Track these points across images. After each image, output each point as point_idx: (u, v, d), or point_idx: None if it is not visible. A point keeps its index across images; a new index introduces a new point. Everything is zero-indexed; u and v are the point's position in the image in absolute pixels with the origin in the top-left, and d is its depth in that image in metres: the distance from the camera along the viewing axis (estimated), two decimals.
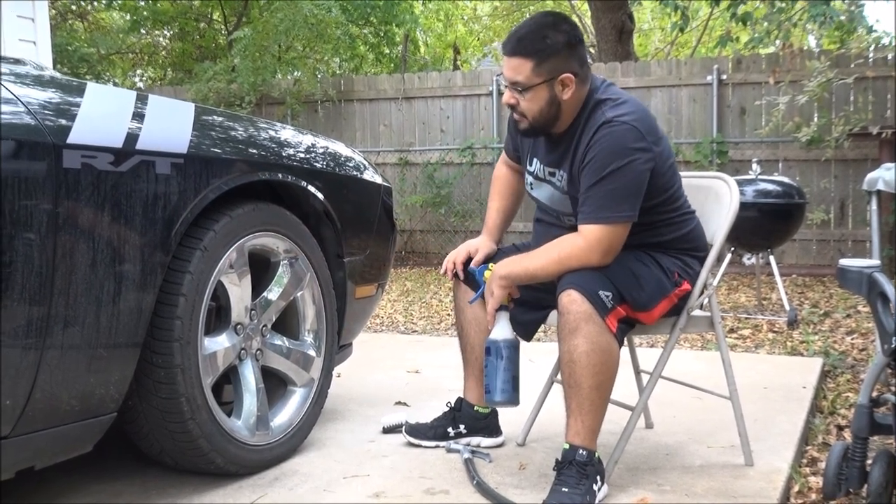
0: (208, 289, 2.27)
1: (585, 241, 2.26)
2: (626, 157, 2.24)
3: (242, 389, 2.45)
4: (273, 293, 2.57)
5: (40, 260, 1.80)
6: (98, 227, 1.92)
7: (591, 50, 15.81)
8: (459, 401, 2.76)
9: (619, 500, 2.27)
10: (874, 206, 2.56)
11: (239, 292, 2.42)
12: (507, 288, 2.39)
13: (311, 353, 2.71)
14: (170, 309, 2.15)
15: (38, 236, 1.79)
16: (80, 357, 1.93)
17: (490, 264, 2.51)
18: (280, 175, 2.54)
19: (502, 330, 2.42)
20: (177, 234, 2.14)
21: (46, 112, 1.86)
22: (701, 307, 2.55)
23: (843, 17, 6.77)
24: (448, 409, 2.78)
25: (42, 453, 1.96)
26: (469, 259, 2.61)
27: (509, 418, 2.79)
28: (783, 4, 7.07)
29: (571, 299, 2.21)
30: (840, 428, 3.11)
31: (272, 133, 2.63)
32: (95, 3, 15.18)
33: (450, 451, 2.65)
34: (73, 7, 14.82)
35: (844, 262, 2.14)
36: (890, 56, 7.56)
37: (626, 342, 2.87)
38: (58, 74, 2.16)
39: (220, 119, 2.51)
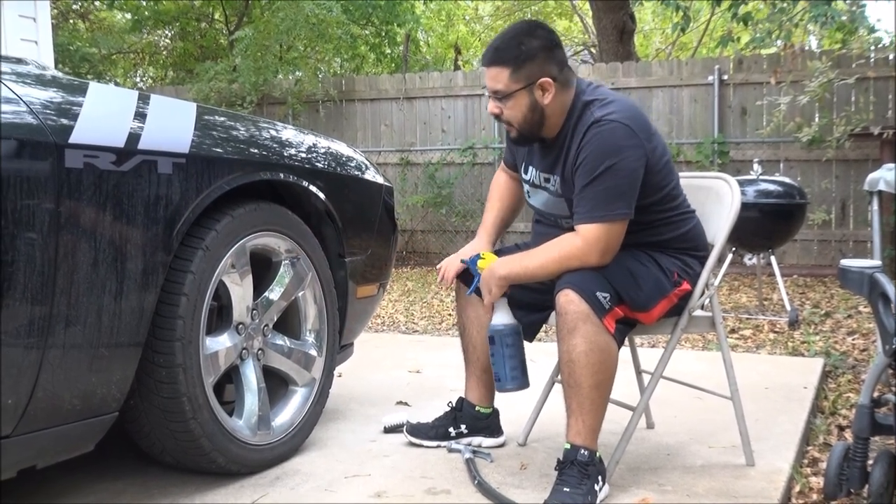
0: (210, 288, 2.28)
1: (583, 240, 2.26)
2: (618, 154, 2.24)
3: (244, 389, 2.45)
4: (274, 293, 2.57)
5: (42, 259, 1.80)
6: (100, 227, 1.93)
7: (592, 50, 15.81)
8: (461, 401, 2.76)
9: (620, 500, 2.27)
10: (875, 206, 2.56)
11: (240, 292, 2.42)
12: (506, 286, 2.40)
13: (313, 352, 2.71)
14: (171, 308, 2.16)
15: (40, 236, 1.79)
16: (82, 356, 1.93)
17: (482, 252, 2.51)
18: (281, 175, 2.54)
19: (502, 316, 2.44)
20: (178, 234, 2.14)
21: (48, 112, 1.86)
22: (702, 307, 2.55)
23: (844, 18, 6.76)
24: (449, 409, 2.78)
25: (44, 452, 1.96)
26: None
27: (510, 418, 2.79)
28: (784, 4, 7.06)
29: (568, 299, 2.22)
30: (841, 428, 3.11)
31: (273, 133, 2.63)
32: (97, 3, 15.18)
33: (451, 450, 2.66)
34: (75, 6, 14.82)
35: (845, 262, 2.15)
36: (891, 56, 7.56)
37: (627, 342, 2.88)
38: (59, 74, 2.16)
39: (222, 119, 2.51)
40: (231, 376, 2.46)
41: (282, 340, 2.62)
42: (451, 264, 2.61)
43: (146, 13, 13.92)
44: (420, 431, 2.75)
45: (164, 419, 2.22)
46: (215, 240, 2.27)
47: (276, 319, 2.60)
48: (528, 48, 2.31)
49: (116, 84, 14.00)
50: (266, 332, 2.55)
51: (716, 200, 2.56)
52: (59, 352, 1.86)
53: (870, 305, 2.09)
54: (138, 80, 16.19)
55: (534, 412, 2.78)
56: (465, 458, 2.55)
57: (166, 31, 15.25)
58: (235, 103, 9.71)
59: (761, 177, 5.56)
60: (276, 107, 9.94)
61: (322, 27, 10.16)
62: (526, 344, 2.51)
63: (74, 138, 1.87)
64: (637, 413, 2.45)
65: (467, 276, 2.61)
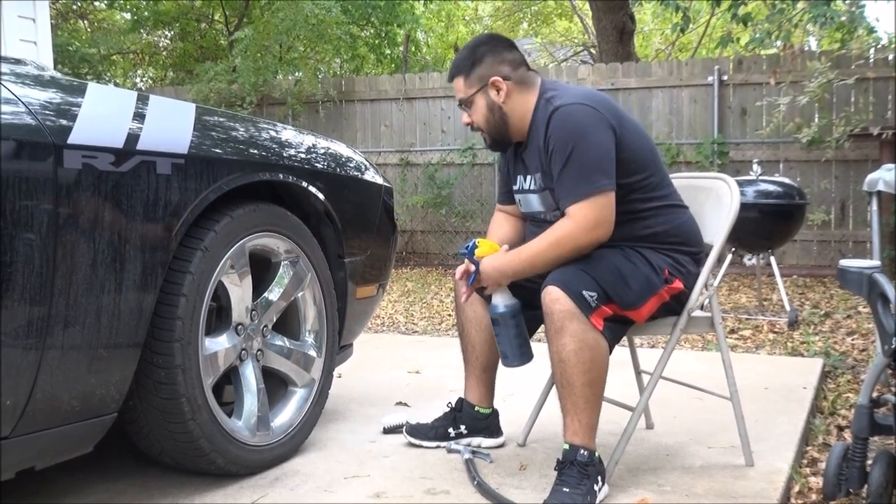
0: (209, 289, 2.27)
1: (572, 220, 2.28)
2: (583, 132, 2.30)
3: (243, 390, 2.45)
4: (274, 293, 2.57)
5: (41, 260, 1.80)
6: (99, 228, 1.93)
7: (592, 51, 15.81)
8: (460, 401, 2.76)
9: (619, 501, 2.27)
10: (874, 206, 2.56)
11: (240, 293, 2.42)
12: (503, 283, 2.42)
13: (312, 353, 2.71)
14: (170, 309, 2.16)
15: (39, 236, 1.79)
16: (81, 357, 1.93)
17: (478, 240, 2.49)
18: (281, 175, 2.54)
19: (502, 297, 2.44)
20: (177, 235, 2.14)
21: (47, 112, 1.86)
22: (702, 308, 2.55)
23: (843, 18, 6.76)
24: (448, 409, 2.78)
25: (43, 453, 1.96)
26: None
27: (510, 418, 2.79)
28: (784, 5, 7.06)
29: (553, 298, 2.22)
30: (840, 428, 3.11)
31: (273, 133, 2.63)
32: (97, 3, 15.19)
33: (450, 451, 2.66)
34: (75, 6, 14.82)
35: (845, 262, 2.14)
36: (890, 56, 7.56)
37: (626, 343, 2.88)
38: (58, 75, 2.16)
39: (221, 119, 2.51)
40: (230, 377, 2.46)
41: (281, 341, 2.62)
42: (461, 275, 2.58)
43: (146, 13, 13.92)
44: (419, 432, 2.75)
45: (163, 420, 2.21)
46: (214, 240, 2.27)
47: (275, 320, 2.60)
48: (477, 54, 2.48)
49: (116, 84, 14.00)
50: (265, 333, 2.55)
51: (715, 201, 2.56)
52: (57, 353, 1.86)
53: (869, 306, 2.09)
54: (138, 80, 16.19)
55: (533, 413, 2.78)
56: (465, 459, 2.55)
57: (166, 32, 15.25)
58: (235, 104, 9.71)
59: (761, 177, 5.56)
60: (276, 107, 9.94)
61: (321, 27, 10.17)
62: None
63: (73, 139, 1.87)
64: (636, 413, 2.45)
65: (468, 278, 2.62)
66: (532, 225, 2.59)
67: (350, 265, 2.86)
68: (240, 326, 2.43)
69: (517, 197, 2.61)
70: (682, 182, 2.78)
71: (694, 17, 12.42)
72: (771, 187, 5.55)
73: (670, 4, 7.52)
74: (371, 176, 3.05)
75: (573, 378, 2.22)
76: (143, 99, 2.18)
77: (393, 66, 13.59)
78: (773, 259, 5.57)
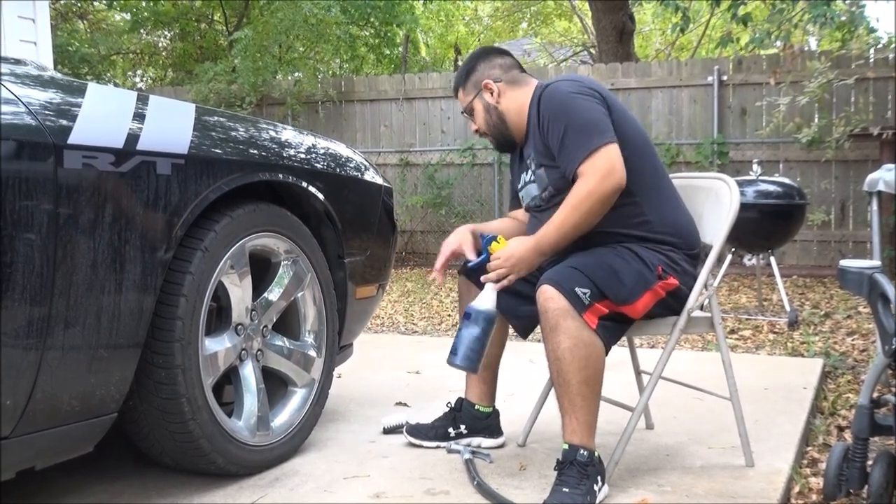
0: (209, 289, 2.27)
1: (584, 177, 2.30)
2: (570, 102, 2.40)
3: (243, 390, 2.45)
4: (274, 294, 2.57)
5: (41, 260, 1.80)
6: (99, 228, 1.92)
7: (592, 51, 15.80)
8: (460, 401, 2.76)
9: (619, 501, 2.27)
10: (875, 206, 2.55)
11: (240, 293, 2.42)
12: (540, 263, 2.40)
13: (312, 353, 2.71)
14: (170, 309, 2.15)
15: (39, 237, 1.79)
16: (81, 357, 1.93)
17: (498, 236, 2.48)
18: (281, 175, 2.54)
19: (486, 301, 2.43)
20: (177, 235, 2.14)
21: (47, 112, 1.86)
22: (701, 308, 2.55)
23: (843, 18, 6.76)
24: (448, 409, 2.78)
25: (43, 453, 1.96)
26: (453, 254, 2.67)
27: (509, 419, 2.79)
28: (784, 5, 7.06)
29: (547, 297, 2.23)
30: (841, 429, 3.11)
31: (273, 134, 2.63)
32: (96, 3, 15.18)
33: (450, 451, 2.66)
34: (75, 7, 14.82)
35: (845, 262, 2.14)
36: (890, 56, 7.56)
37: (626, 343, 2.88)
38: (58, 75, 2.16)
39: (221, 119, 2.51)
40: (230, 377, 2.46)
41: (281, 341, 2.62)
42: (464, 238, 2.63)
43: (145, 13, 13.92)
44: (420, 432, 2.75)
45: (163, 420, 2.21)
46: (214, 241, 2.27)
47: (275, 320, 2.60)
48: (468, 66, 2.66)
49: (115, 85, 14.00)
50: (265, 333, 2.55)
51: (715, 201, 2.56)
52: (57, 353, 1.86)
53: (869, 306, 2.09)
54: (137, 80, 16.19)
55: (533, 413, 2.78)
56: (465, 459, 2.55)
57: (165, 32, 15.25)
58: (235, 104, 9.71)
59: (761, 177, 5.56)
60: (276, 107, 9.94)
61: (321, 28, 10.17)
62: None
63: (73, 139, 1.87)
64: (636, 413, 2.45)
65: (471, 274, 2.64)
66: (532, 217, 2.59)
67: (350, 265, 2.86)
68: (240, 326, 2.43)
69: (521, 195, 2.63)
70: (682, 182, 2.78)
71: (694, 17, 12.42)
72: (771, 187, 5.55)
73: (670, 4, 7.52)
74: (371, 176, 3.05)
75: (569, 376, 2.23)
76: (142, 99, 2.18)
77: (392, 66, 13.59)
78: (773, 259, 5.57)
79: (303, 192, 2.64)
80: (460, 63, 16.17)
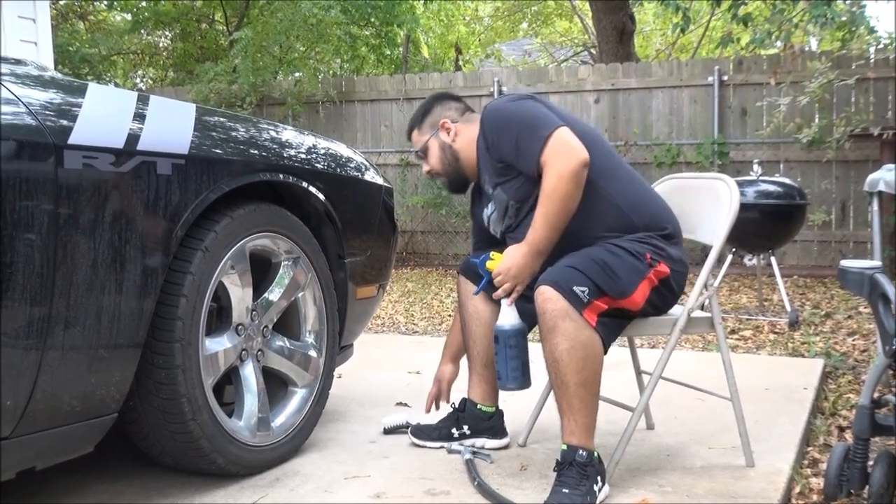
0: (209, 289, 2.27)
1: (548, 164, 2.34)
2: (509, 109, 2.50)
3: (243, 390, 2.45)
4: (274, 294, 2.57)
5: (41, 260, 1.80)
6: (99, 228, 1.92)
7: (592, 51, 15.80)
8: (464, 401, 2.76)
9: (620, 501, 2.27)
10: (875, 207, 2.55)
11: (240, 293, 2.42)
12: (539, 264, 2.41)
13: (313, 353, 2.71)
14: (171, 310, 2.15)
15: (39, 237, 1.79)
16: (81, 358, 1.93)
17: (492, 253, 2.52)
18: (281, 176, 2.54)
19: (508, 317, 2.45)
20: (178, 235, 2.14)
21: (48, 113, 1.86)
22: (702, 308, 2.55)
23: (844, 18, 6.76)
24: (452, 409, 2.78)
25: (43, 454, 1.96)
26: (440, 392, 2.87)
27: (510, 419, 2.79)
28: (784, 5, 7.06)
29: (545, 298, 2.24)
30: (841, 429, 3.11)
31: (273, 134, 2.63)
32: (97, 4, 15.18)
33: (451, 451, 2.66)
34: (75, 7, 14.82)
35: (846, 263, 2.14)
36: (891, 56, 7.55)
37: (626, 343, 2.88)
38: (59, 75, 2.16)
39: (221, 120, 2.51)
40: (231, 377, 2.46)
41: (281, 341, 2.62)
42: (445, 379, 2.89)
43: (146, 14, 13.92)
44: (423, 432, 2.76)
45: (163, 420, 2.21)
46: (215, 241, 2.27)
47: (275, 320, 2.60)
48: (425, 108, 2.77)
49: (116, 85, 13.99)
50: (266, 333, 2.55)
51: (714, 201, 2.56)
52: (58, 353, 1.86)
53: (870, 306, 2.09)
54: (138, 80, 16.19)
55: (534, 413, 2.78)
56: (465, 459, 2.55)
57: (166, 32, 15.24)
58: (235, 104, 9.71)
59: (761, 177, 5.55)
60: (276, 108, 9.93)
61: (321, 28, 10.16)
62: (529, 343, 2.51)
63: (73, 139, 1.87)
64: (636, 413, 2.45)
65: (471, 274, 2.66)
66: (509, 240, 2.59)
67: (350, 265, 2.86)
68: (240, 327, 2.43)
69: (491, 229, 2.67)
70: (681, 182, 2.78)
71: (694, 17, 12.41)
72: (771, 188, 5.55)
73: (671, 4, 7.51)
74: (371, 176, 3.05)
75: (567, 378, 2.23)
76: (143, 99, 2.18)
77: (393, 66, 13.58)
78: (773, 259, 5.56)
79: (303, 192, 2.64)
80: (461, 63, 16.20)
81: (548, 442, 2.75)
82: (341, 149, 3.00)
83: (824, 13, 6.45)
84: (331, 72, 12.99)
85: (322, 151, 2.84)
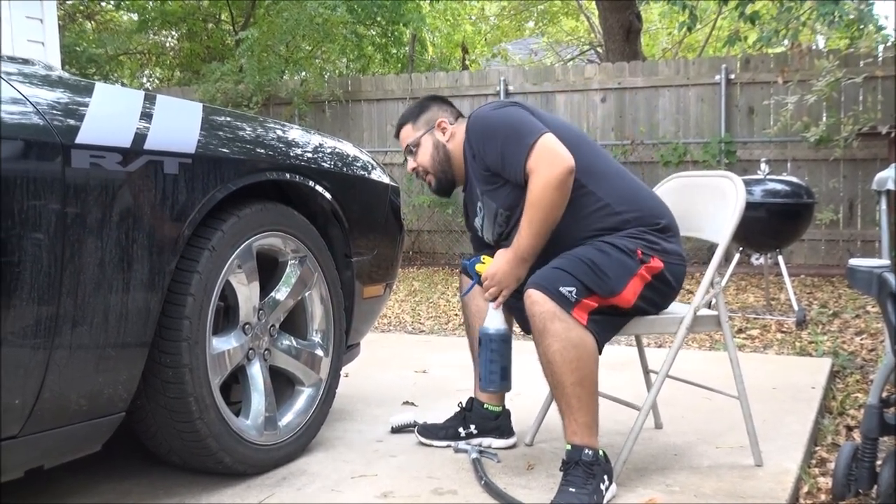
0: (216, 288, 2.27)
1: (533, 172, 2.34)
2: (493, 117, 2.51)
3: (250, 389, 2.45)
4: (281, 293, 2.57)
5: (49, 260, 1.80)
6: (106, 227, 1.93)
7: (599, 50, 15.79)
8: (471, 401, 2.76)
9: (627, 501, 2.26)
10: (883, 205, 2.55)
11: (247, 292, 2.42)
12: (525, 271, 2.41)
13: (319, 352, 2.71)
14: (178, 309, 2.16)
15: (47, 236, 1.80)
16: (89, 357, 1.93)
17: (483, 256, 2.55)
18: (288, 175, 2.54)
19: (494, 321, 2.49)
20: (185, 234, 2.14)
21: (55, 112, 1.86)
22: (709, 306, 2.54)
23: (852, 16, 6.74)
24: (459, 409, 2.78)
25: (51, 453, 1.96)
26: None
27: (517, 418, 2.79)
28: (791, 3, 7.04)
29: (532, 300, 2.25)
30: (849, 428, 3.10)
31: (280, 133, 2.63)
32: (104, 4, 15.22)
33: (458, 451, 2.65)
34: (82, 7, 14.85)
35: (854, 262, 2.14)
36: None
37: (634, 342, 2.88)
38: (66, 75, 2.16)
39: (228, 119, 2.51)
40: (238, 376, 2.46)
41: (288, 340, 2.62)
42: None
43: (153, 14, 13.95)
44: (430, 432, 2.76)
45: (170, 419, 2.22)
46: (222, 240, 2.27)
47: (282, 319, 2.60)
48: (422, 105, 2.78)
49: (123, 85, 14.03)
50: (272, 333, 2.55)
51: (721, 199, 2.55)
52: (65, 352, 1.86)
53: (878, 305, 2.08)
54: (145, 80, 16.23)
55: (541, 412, 2.77)
56: (472, 459, 2.55)
57: (173, 32, 15.27)
58: (241, 104, 9.73)
59: (768, 176, 5.54)
60: (282, 107, 9.95)
61: (327, 27, 10.17)
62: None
63: (81, 139, 1.87)
64: (643, 412, 2.44)
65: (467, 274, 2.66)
66: (502, 247, 2.58)
67: (357, 264, 2.86)
68: (247, 326, 2.43)
69: (484, 237, 2.67)
70: (688, 181, 2.78)
71: (701, 15, 12.39)
72: (779, 186, 5.53)
73: (677, 2, 7.50)
74: (378, 175, 3.05)
75: (562, 378, 2.23)
76: (150, 99, 2.18)
77: (399, 65, 13.58)
78: (780, 258, 5.55)
79: (310, 191, 2.64)
80: (467, 62, 16.21)
81: (555, 441, 2.74)
82: (348, 148, 3.00)
83: (832, 11, 6.44)
84: (337, 71, 12.99)
85: (328, 151, 2.84)
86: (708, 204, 2.59)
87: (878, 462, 2.19)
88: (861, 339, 4.74)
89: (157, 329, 2.10)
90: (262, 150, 2.47)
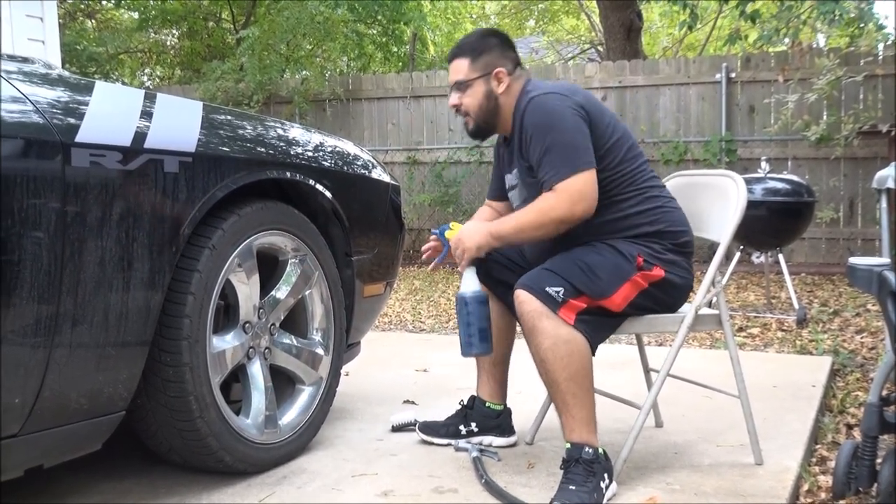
0: (217, 287, 2.28)
1: (556, 193, 2.33)
2: (554, 117, 2.38)
3: (251, 388, 2.46)
4: (281, 292, 2.57)
5: (49, 258, 1.80)
6: (106, 226, 1.93)
7: (600, 48, 15.78)
8: (472, 399, 2.77)
9: (627, 499, 2.26)
10: (884, 204, 2.55)
11: (247, 291, 2.42)
12: (490, 248, 2.45)
13: (320, 351, 2.71)
14: (178, 307, 2.16)
15: (47, 235, 1.80)
16: (89, 355, 1.93)
17: (452, 223, 2.57)
18: (288, 173, 2.54)
19: (469, 283, 2.49)
20: (185, 233, 2.14)
21: (55, 111, 1.86)
22: (710, 305, 2.54)
23: (852, 15, 6.73)
24: (461, 407, 2.78)
25: (51, 452, 1.96)
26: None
27: (518, 416, 2.79)
28: (792, 2, 7.04)
29: (520, 301, 2.26)
30: (850, 427, 3.10)
31: (280, 131, 2.63)
32: (104, 2, 15.21)
33: (458, 449, 2.65)
34: (83, 5, 14.85)
35: (854, 260, 2.14)
36: None
37: (635, 341, 2.88)
38: (66, 73, 2.16)
39: (229, 118, 2.51)
40: (238, 375, 2.46)
41: (289, 339, 2.62)
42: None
43: (153, 12, 13.94)
44: (431, 429, 2.76)
45: (171, 418, 2.22)
46: (222, 238, 2.28)
47: (282, 318, 2.60)
48: (486, 43, 2.57)
49: (123, 83, 14.02)
50: (273, 331, 2.55)
51: (722, 198, 2.55)
52: (66, 351, 1.86)
53: (879, 303, 2.08)
54: (145, 79, 16.22)
55: (541, 410, 2.77)
56: (473, 457, 2.55)
57: (173, 31, 15.27)
58: (242, 102, 9.72)
59: (769, 175, 5.54)
60: (283, 106, 9.94)
61: (327, 26, 10.16)
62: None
63: (81, 137, 1.87)
64: (644, 411, 2.44)
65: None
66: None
67: (357, 263, 2.86)
68: (247, 324, 2.43)
69: (509, 195, 2.65)
70: (689, 179, 2.77)
71: (702, 14, 12.39)
72: (779, 185, 5.53)
73: (678, 1, 7.50)
74: (378, 174, 3.05)
75: (555, 375, 2.24)
76: (150, 97, 2.18)
77: (400, 64, 13.58)
78: (781, 257, 5.55)
79: (310, 189, 2.64)
80: None
81: (555, 440, 2.74)
82: (348, 147, 3.00)
83: (832, 10, 6.43)
84: (338, 70, 12.98)
85: (329, 149, 2.84)
86: (709, 203, 2.59)
87: (879, 460, 2.18)
88: (861, 338, 4.74)
89: (157, 328, 2.10)
90: (263, 149, 2.47)
